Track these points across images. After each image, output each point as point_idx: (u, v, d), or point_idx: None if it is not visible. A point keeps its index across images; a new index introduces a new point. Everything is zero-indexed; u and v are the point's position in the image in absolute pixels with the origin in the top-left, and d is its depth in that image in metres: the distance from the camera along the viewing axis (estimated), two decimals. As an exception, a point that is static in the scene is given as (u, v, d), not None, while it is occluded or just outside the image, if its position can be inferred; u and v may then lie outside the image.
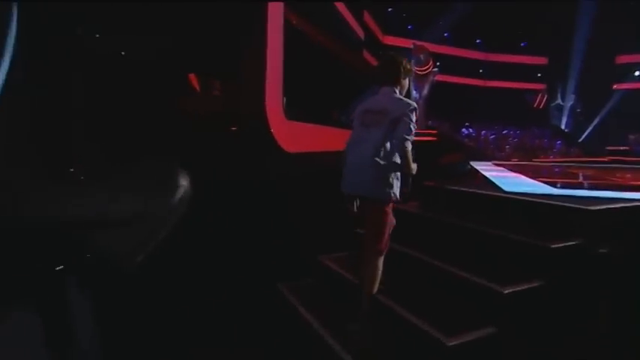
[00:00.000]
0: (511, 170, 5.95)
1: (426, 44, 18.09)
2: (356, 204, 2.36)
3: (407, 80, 2.43)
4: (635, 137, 17.11)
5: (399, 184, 2.27)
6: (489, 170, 5.84)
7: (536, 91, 18.93)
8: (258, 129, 3.77)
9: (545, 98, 18.66)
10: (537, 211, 2.49)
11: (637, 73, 17.50)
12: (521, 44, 18.01)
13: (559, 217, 2.34)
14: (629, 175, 6.33)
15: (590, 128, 18.27)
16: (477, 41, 18.58)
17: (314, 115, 7.99)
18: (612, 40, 16.67)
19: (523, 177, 4.57)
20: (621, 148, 16.82)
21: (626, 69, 17.50)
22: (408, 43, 17.54)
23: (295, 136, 4.59)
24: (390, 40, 18.00)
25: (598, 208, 2.23)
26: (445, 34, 18.20)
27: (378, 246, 2.29)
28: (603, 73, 17.42)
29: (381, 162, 2.20)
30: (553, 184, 3.50)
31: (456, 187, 3.22)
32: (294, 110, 5.56)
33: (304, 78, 9.61)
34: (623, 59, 17.53)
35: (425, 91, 11.50)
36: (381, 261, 2.33)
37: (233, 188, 3.51)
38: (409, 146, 2.18)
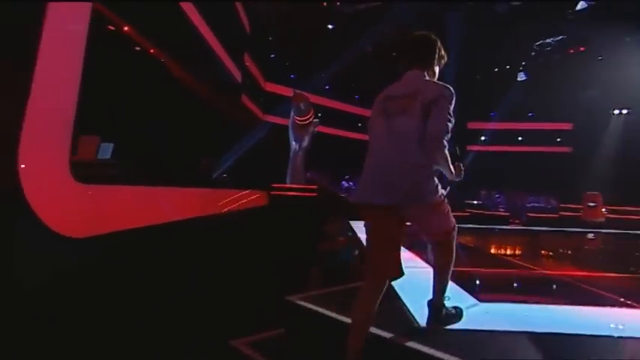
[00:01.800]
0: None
1: (309, 95, 18.12)
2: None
3: (438, 69, 1.99)
4: (485, 193, 19.36)
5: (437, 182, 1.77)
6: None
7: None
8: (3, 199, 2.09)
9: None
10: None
11: (483, 138, 20.18)
12: (393, 104, 19.31)
13: None
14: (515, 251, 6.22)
15: (450, 185, 20.19)
16: (356, 97, 19.31)
17: (175, 168, 6.39)
18: (464, 107, 19.10)
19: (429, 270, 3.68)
20: (475, 202, 18.95)
21: (475, 134, 20.09)
22: (290, 92, 17.27)
23: (100, 209, 2.94)
24: (272, 88, 17.45)
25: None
26: (326, 87, 18.51)
27: (450, 234, 1.86)
28: (459, 136, 19.71)
29: (415, 159, 1.72)
30: (476, 296, 2.55)
31: (336, 316, 2.00)
32: (127, 165, 3.94)
33: (160, 119, 7.97)
34: (472, 125, 20.07)
35: (305, 143, 10.78)
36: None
37: None
38: (445, 147, 1.70)
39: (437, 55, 1.94)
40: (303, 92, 11.37)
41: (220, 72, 10.79)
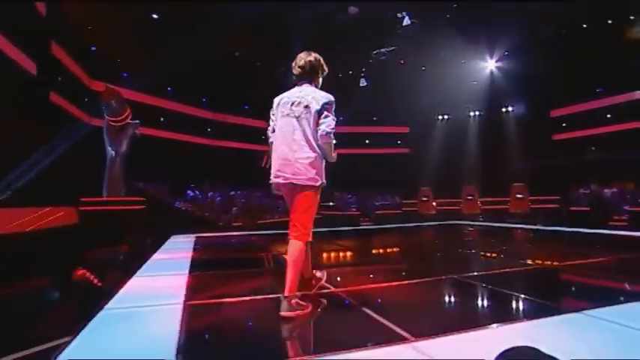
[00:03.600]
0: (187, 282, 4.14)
1: (147, 97, 16.15)
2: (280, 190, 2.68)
3: (321, 79, 2.83)
4: (339, 194, 20.14)
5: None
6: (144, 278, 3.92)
7: (262, 152, 19.86)
8: None
9: (268, 159, 19.81)
10: None
11: (334, 141, 20.97)
12: (244, 106, 18.65)
13: None
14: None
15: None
16: (203, 100, 18.06)
17: None
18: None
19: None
20: (330, 204, 19.58)
21: (328, 137, 20.76)
22: (125, 94, 15.07)
23: None
24: (101, 87, 15.02)
25: None
26: (168, 89, 16.82)
27: (307, 230, 2.57)
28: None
29: (314, 153, 2.52)
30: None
31: None
32: None
33: None
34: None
35: (123, 147, 9.24)
36: (308, 246, 2.66)
37: None
38: (332, 139, 2.58)
39: (321, 70, 2.76)
40: (116, 87, 9.75)
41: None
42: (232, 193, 15.53)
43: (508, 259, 4.87)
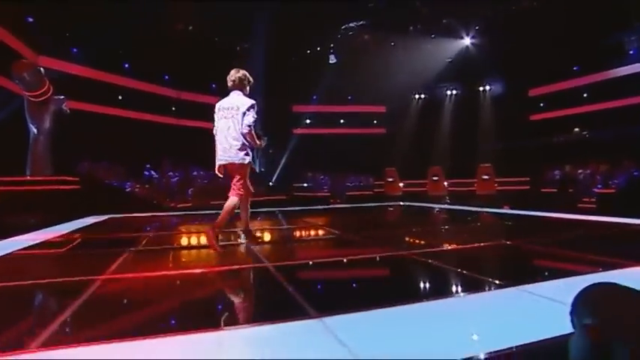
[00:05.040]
0: None
1: (103, 74, 15.45)
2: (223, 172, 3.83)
3: (249, 88, 3.92)
4: (312, 175, 19.65)
5: (251, 153, 3.84)
6: None
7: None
8: None
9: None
10: None
11: (308, 121, 20.37)
12: (212, 85, 17.91)
13: None
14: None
15: (279, 168, 19.89)
16: (165, 77, 17.34)
17: None
18: (287, 91, 18.76)
19: None
20: (304, 184, 19.11)
21: (299, 117, 20.14)
22: (75, 69, 14.41)
23: None
24: (49, 63, 14.27)
25: None
26: (125, 65, 16.09)
27: (245, 192, 3.82)
28: (283, 119, 19.38)
29: (241, 141, 3.69)
30: None
31: None
32: None
33: None
34: (297, 109, 20.06)
35: (47, 124, 8.68)
36: (247, 202, 3.98)
37: None
38: (252, 130, 3.71)
39: (247, 82, 3.90)
40: (31, 60, 9.10)
41: None
42: (195, 173, 15.03)
43: (395, 243, 4.38)
